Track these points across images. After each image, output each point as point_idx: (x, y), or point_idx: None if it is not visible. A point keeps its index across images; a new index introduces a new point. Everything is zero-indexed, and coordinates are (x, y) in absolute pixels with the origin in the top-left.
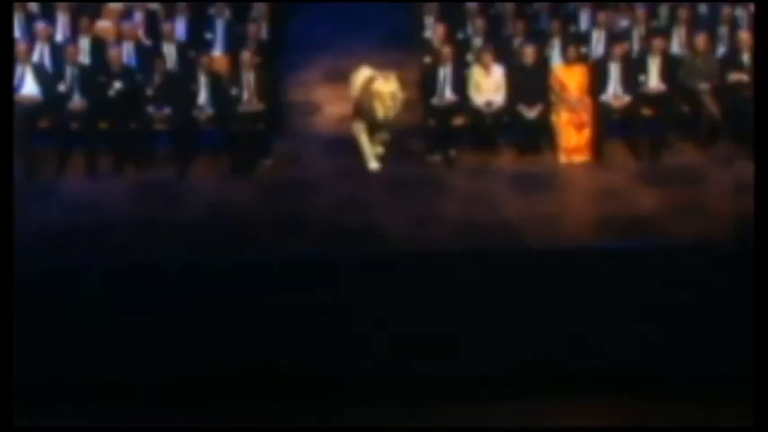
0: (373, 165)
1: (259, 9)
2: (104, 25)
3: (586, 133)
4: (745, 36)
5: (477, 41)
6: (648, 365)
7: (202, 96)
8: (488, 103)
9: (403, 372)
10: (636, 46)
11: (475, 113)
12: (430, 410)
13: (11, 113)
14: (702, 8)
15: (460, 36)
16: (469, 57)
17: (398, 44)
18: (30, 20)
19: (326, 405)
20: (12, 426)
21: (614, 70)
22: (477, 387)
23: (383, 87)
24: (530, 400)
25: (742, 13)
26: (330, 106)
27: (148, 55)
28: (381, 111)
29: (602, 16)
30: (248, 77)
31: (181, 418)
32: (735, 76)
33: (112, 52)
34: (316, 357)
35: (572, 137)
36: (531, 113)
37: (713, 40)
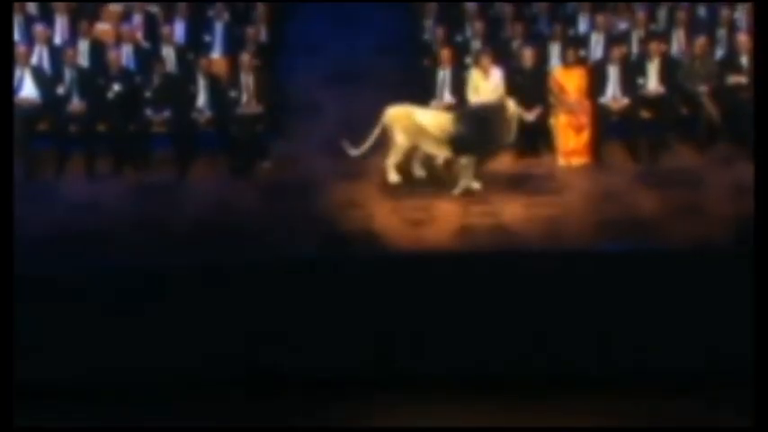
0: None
1: (258, 11)
2: (103, 28)
3: (585, 135)
4: (743, 38)
5: (476, 44)
6: (648, 366)
7: (201, 98)
8: None
9: (402, 372)
10: (635, 48)
11: None
12: (429, 410)
13: (11, 116)
14: (701, 11)
15: (459, 38)
16: (468, 59)
17: (397, 46)
18: (28, 22)
19: (326, 405)
20: (12, 426)
21: (613, 73)
22: (477, 387)
23: (515, 109)
24: (530, 400)
25: (740, 15)
26: (329, 108)
27: (147, 57)
28: (511, 133)
29: (600, 19)
30: (247, 79)
31: (181, 417)
32: (733, 79)
33: (111, 55)
34: (315, 357)
35: (571, 139)
36: (529, 116)
37: (712, 42)
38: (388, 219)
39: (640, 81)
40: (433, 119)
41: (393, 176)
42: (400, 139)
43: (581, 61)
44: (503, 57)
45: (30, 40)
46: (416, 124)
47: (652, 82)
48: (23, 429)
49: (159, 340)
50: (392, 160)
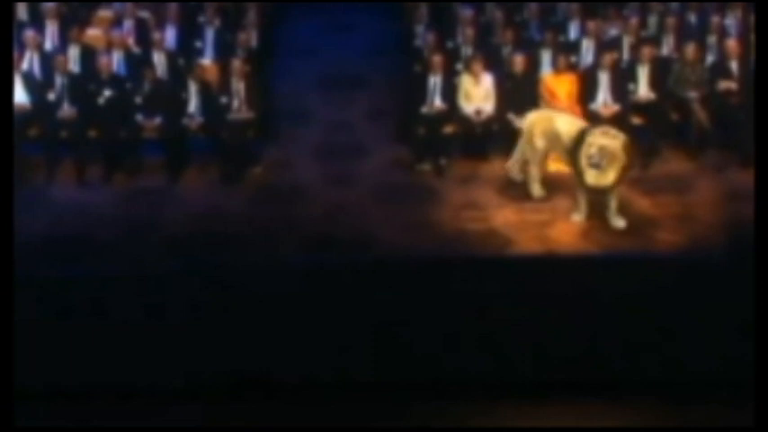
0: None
1: (249, 17)
2: (94, 33)
3: None
4: (733, 44)
5: (467, 50)
6: (646, 368)
7: (192, 104)
8: (478, 112)
9: (396, 376)
10: (625, 55)
11: (464, 122)
12: (429, 412)
13: (10, 119)
14: (692, 17)
15: (450, 44)
16: (459, 65)
17: (388, 52)
18: (19, 28)
19: (324, 408)
20: (12, 426)
21: (604, 79)
22: (475, 389)
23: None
24: (528, 401)
25: (731, 21)
26: (320, 113)
27: (138, 63)
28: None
29: (591, 25)
30: (238, 85)
31: (176, 420)
32: (723, 85)
33: (102, 60)
34: (308, 362)
35: None
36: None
37: (702, 48)
38: (381, 224)
39: (631, 87)
40: (568, 125)
41: (538, 190)
42: (540, 144)
43: (572, 67)
44: (494, 63)
45: (20, 46)
46: (554, 129)
47: (643, 88)
48: (23, 429)
49: (151, 344)
50: (534, 171)
